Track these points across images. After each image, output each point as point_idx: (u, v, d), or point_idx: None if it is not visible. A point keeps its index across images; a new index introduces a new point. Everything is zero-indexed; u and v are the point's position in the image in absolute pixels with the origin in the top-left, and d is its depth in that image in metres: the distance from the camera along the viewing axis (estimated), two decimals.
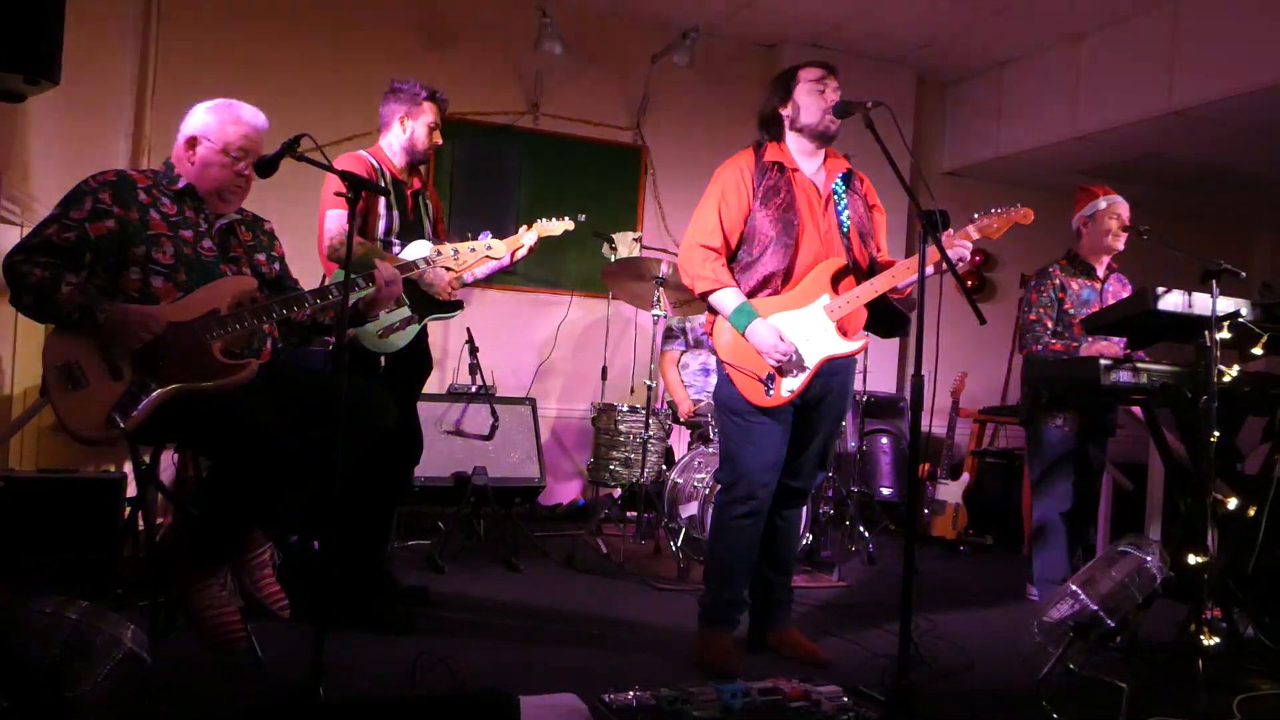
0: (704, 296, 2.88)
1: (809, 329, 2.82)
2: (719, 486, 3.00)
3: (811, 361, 2.82)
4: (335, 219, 3.04)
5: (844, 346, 2.85)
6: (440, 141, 3.29)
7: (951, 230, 2.86)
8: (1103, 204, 3.87)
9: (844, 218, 2.89)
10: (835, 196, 2.91)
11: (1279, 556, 3.26)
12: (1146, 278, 3.40)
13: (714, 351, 2.94)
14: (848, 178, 2.95)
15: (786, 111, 2.91)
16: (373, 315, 2.82)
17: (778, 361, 2.77)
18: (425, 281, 3.15)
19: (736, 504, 2.87)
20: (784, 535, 3.04)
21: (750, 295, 2.84)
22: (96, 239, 2.41)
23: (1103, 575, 2.75)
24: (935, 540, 5.27)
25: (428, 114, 3.21)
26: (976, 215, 2.89)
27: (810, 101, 2.88)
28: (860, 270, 2.91)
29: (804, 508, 3.07)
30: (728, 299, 2.82)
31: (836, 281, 2.85)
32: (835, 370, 2.90)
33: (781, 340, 2.75)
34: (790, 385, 2.81)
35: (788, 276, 2.84)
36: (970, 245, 2.84)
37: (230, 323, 2.46)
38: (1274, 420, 3.65)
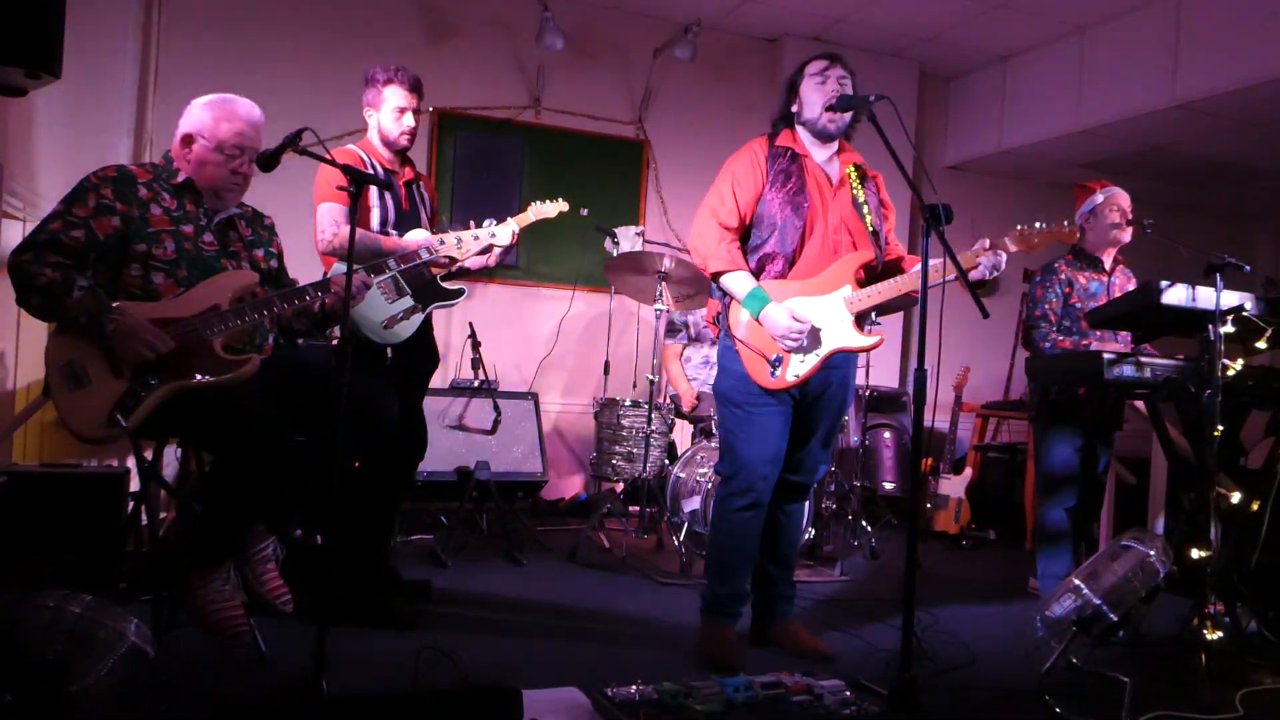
0: (715, 277, 2.87)
1: (826, 318, 2.81)
2: (719, 479, 3.00)
3: (824, 349, 2.81)
4: (328, 213, 3.02)
5: (858, 341, 2.84)
6: (413, 124, 3.15)
7: (987, 240, 2.83)
8: (1100, 197, 3.86)
9: (864, 212, 2.88)
10: (851, 188, 2.91)
11: None
12: (1150, 272, 3.40)
13: (728, 333, 2.90)
14: (861, 173, 2.96)
15: (795, 108, 2.93)
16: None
17: (793, 343, 2.76)
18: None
19: (737, 496, 2.86)
20: (786, 530, 3.03)
21: (756, 276, 2.84)
22: (104, 239, 2.41)
23: (1106, 570, 2.75)
24: (938, 535, 5.27)
25: (389, 99, 3.11)
26: (1020, 226, 2.86)
27: (812, 96, 2.88)
28: (879, 267, 2.91)
29: (806, 503, 3.06)
30: (741, 282, 2.81)
31: (860, 276, 2.85)
32: (836, 364, 2.89)
33: (797, 320, 2.74)
34: (797, 370, 2.80)
35: (795, 259, 2.83)
36: (1005, 256, 2.80)
37: (231, 318, 2.46)
38: (1278, 415, 3.64)
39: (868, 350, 2.90)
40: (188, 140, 2.57)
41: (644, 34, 5.70)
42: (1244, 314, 2.95)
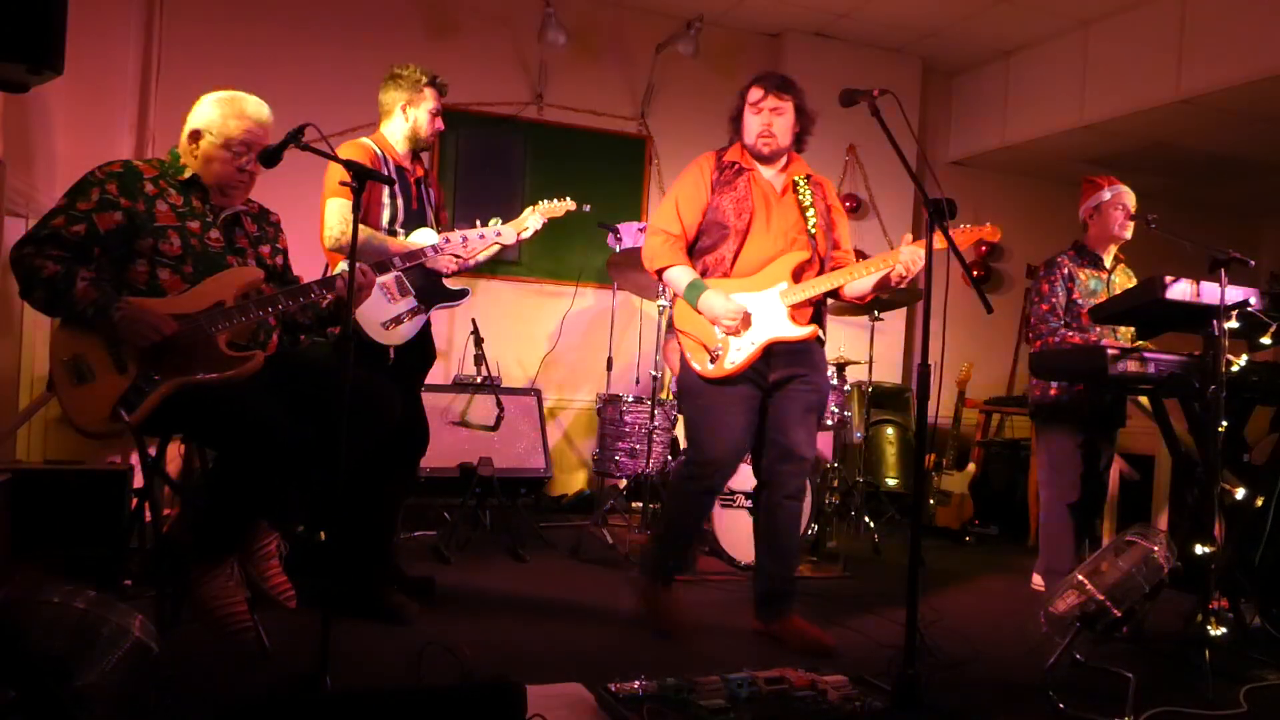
0: (659, 274, 3.07)
1: (762, 310, 2.96)
2: (681, 459, 3.19)
3: (759, 339, 2.94)
4: (336, 209, 3.02)
5: (792, 331, 2.97)
6: (442, 127, 3.26)
7: (909, 236, 2.98)
8: (1108, 194, 3.84)
9: (809, 216, 3.05)
10: (798, 195, 3.05)
11: None
12: (1154, 267, 3.39)
13: (671, 325, 3.11)
14: (807, 180, 3.11)
15: (741, 126, 3.10)
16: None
17: (729, 324, 2.90)
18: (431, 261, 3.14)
19: (694, 480, 3.04)
20: (786, 526, 3.06)
21: (701, 275, 3.01)
22: (105, 233, 2.41)
23: (1109, 565, 2.75)
24: (941, 531, 5.27)
25: (429, 100, 3.18)
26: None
27: (749, 122, 3.07)
28: (821, 268, 3.06)
29: (805, 499, 3.10)
30: (680, 275, 3.00)
31: (798, 274, 3.01)
32: (797, 349, 3.00)
33: (730, 301, 2.90)
34: (734, 358, 2.93)
35: (736, 260, 3.00)
36: (922, 253, 2.83)
37: (235, 315, 2.46)
38: None
39: (803, 340, 2.99)
40: (195, 136, 2.57)
41: (646, 30, 5.69)
42: (1248, 309, 2.94)
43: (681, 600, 3.20)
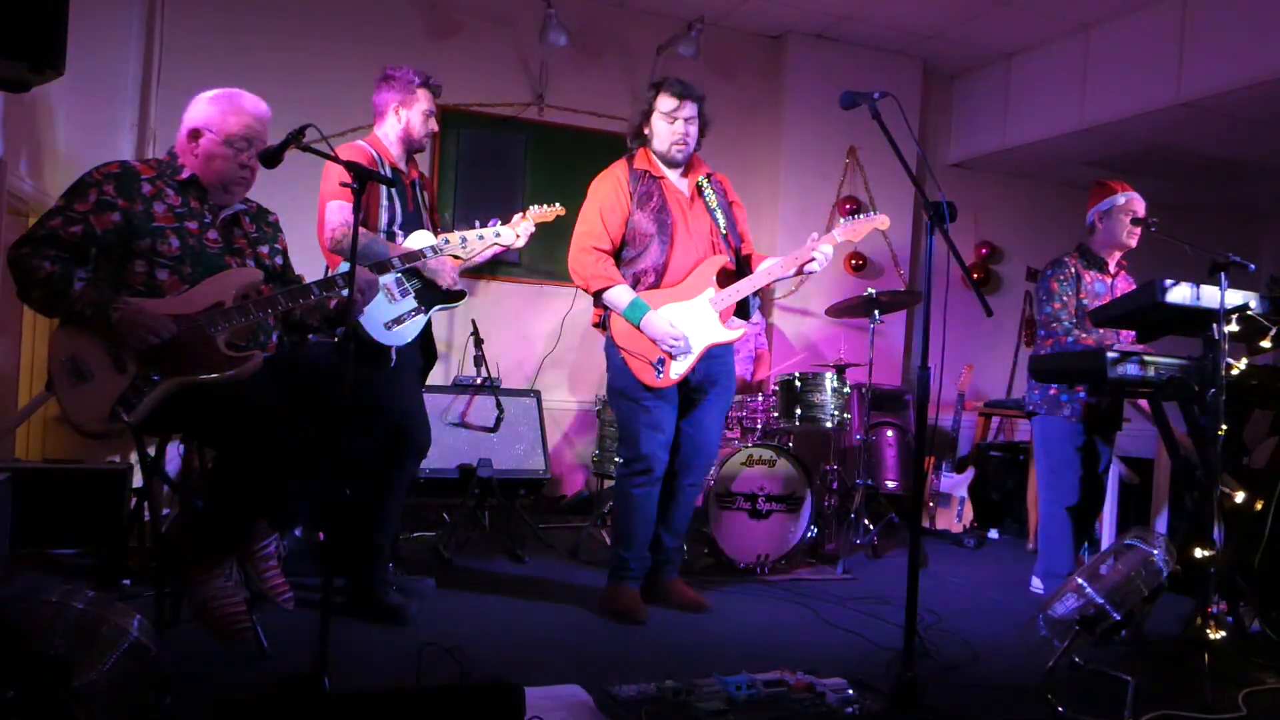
0: (597, 295, 3.21)
1: (695, 319, 3.18)
2: (620, 461, 3.35)
3: (698, 348, 3.17)
4: (336, 210, 3.02)
5: (726, 335, 3.22)
6: (436, 128, 3.25)
7: (816, 234, 3.21)
8: (1121, 199, 3.82)
9: (718, 218, 3.26)
10: (704, 199, 3.27)
11: None
12: (1154, 270, 3.39)
13: (612, 340, 3.24)
14: (710, 180, 3.28)
15: (647, 131, 3.26)
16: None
17: (670, 348, 3.12)
18: (429, 269, 3.13)
19: (637, 476, 3.24)
20: (683, 504, 3.36)
21: (633, 288, 3.19)
22: (102, 234, 2.41)
23: (1109, 569, 2.75)
24: (940, 534, 5.27)
25: (422, 101, 3.17)
26: (843, 220, 3.29)
27: (661, 130, 3.23)
28: (737, 264, 3.30)
29: (702, 484, 3.42)
30: (621, 296, 3.17)
31: (719, 277, 3.22)
32: (716, 354, 3.26)
33: (673, 327, 3.12)
34: (678, 369, 3.17)
35: (664, 270, 3.20)
36: (833, 248, 3.19)
37: (235, 316, 2.46)
38: None
39: (734, 341, 3.26)
40: (194, 134, 2.57)
41: (647, 31, 5.70)
42: (1248, 313, 2.94)
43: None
